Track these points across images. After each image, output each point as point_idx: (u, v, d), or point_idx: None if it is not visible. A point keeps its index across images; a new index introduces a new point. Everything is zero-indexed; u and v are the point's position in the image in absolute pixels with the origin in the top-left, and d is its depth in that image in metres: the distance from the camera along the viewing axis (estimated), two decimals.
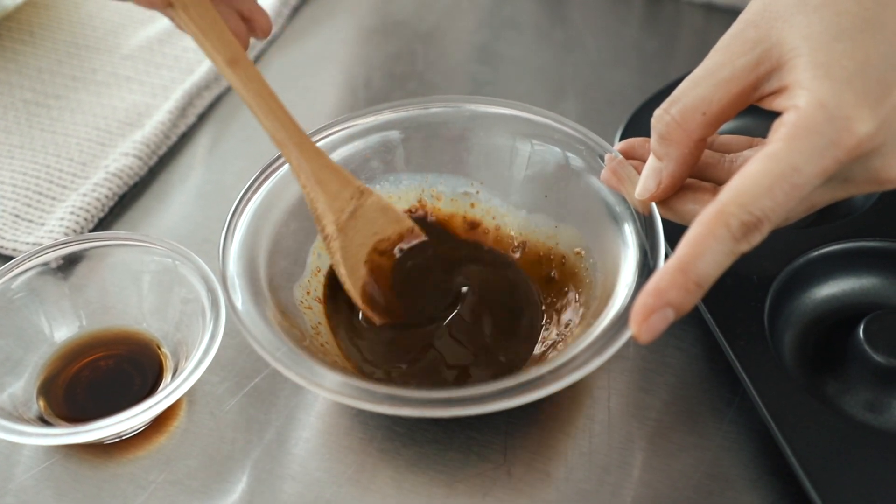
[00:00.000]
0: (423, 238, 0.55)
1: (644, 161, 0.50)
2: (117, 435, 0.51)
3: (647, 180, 0.49)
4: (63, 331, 0.55)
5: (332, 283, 0.55)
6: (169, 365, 0.54)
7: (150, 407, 0.48)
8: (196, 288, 0.53)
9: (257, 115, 0.50)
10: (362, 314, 0.54)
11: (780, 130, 0.42)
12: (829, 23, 0.42)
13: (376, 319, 0.53)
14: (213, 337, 0.51)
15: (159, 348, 0.55)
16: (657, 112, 0.47)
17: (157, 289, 0.55)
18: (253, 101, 0.50)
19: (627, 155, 0.53)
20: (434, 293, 0.54)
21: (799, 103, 0.42)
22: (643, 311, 0.41)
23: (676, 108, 0.46)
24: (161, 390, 0.50)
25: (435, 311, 0.54)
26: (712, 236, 0.40)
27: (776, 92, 0.44)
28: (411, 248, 0.55)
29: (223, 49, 0.49)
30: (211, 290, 0.52)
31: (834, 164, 0.41)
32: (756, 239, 0.41)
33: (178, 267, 0.54)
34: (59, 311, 0.55)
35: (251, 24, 0.53)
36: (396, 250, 0.54)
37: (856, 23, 0.42)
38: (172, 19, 0.50)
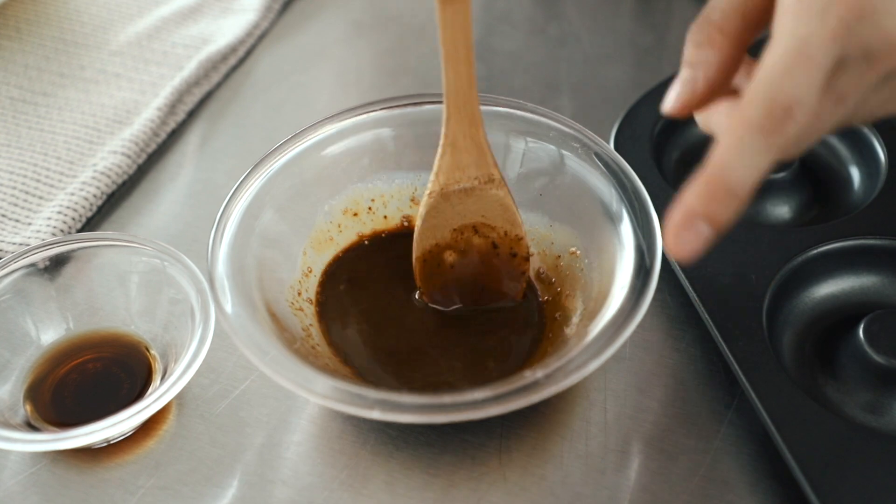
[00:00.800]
0: (524, 253, 0.54)
1: None
2: (105, 440, 0.50)
3: (680, 90, 0.45)
4: (50, 333, 0.54)
5: (327, 282, 0.55)
6: (158, 367, 0.53)
7: (139, 411, 0.48)
8: (185, 289, 0.52)
9: (444, 57, 0.49)
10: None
11: (780, 10, 0.40)
12: None
13: (421, 288, 0.55)
14: (202, 339, 0.50)
15: (148, 350, 0.54)
16: (696, 23, 0.45)
17: (145, 290, 0.55)
18: (446, 43, 0.48)
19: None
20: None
21: None
22: (672, 229, 0.39)
23: (716, 14, 0.44)
24: (150, 394, 0.49)
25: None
26: (738, 139, 0.38)
27: None
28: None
29: None
30: (200, 292, 0.52)
31: (840, 24, 0.39)
32: (790, 128, 0.39)
33: (167, 268, 0.53)
34: (46, 313, 0.54)
35: None
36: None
37: None
38: None
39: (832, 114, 0.42)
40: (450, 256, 0.54)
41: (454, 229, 0.53)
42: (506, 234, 0.53)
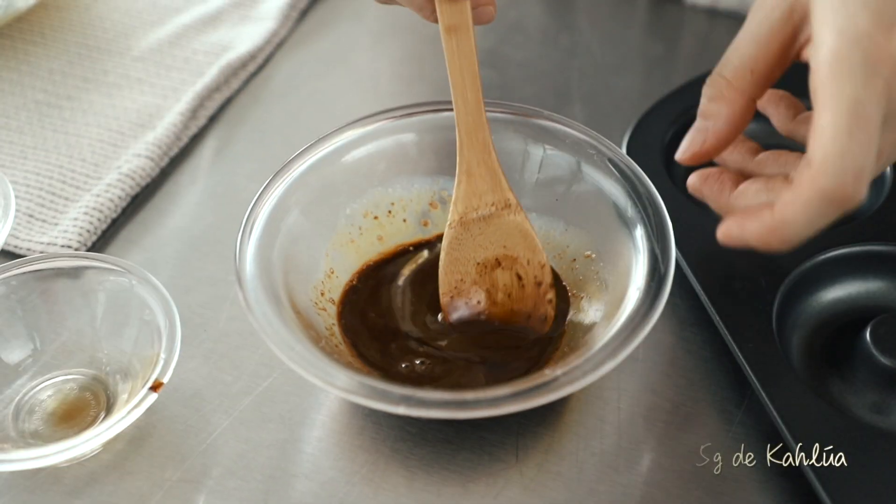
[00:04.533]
0: (550, 280, 0.54)
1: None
2: (69, 460, 0.51)
3: (692, 139, 0.50)
4: (16, 353, 0.55)
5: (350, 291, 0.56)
6: (120, 390, 0.53)
7: (99, 434, 0.48)
8: (154, 310, 0.53)
9: (452, 87, 0.51)
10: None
11: (819, 73, 0.42)
12: None
13: (446, 315, 0.55)
14: (167, 362, 0.50)
15: (109, 374, 0.54)
16: (710, 78, 0.49)
17: (112, 310, 0.55)
18: (452, 73, 0.51)
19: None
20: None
21: (825, 39, 0.42)
22: (727, 236, 0.45)
23: (727, 69, 0.48)
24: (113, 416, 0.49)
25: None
26: (806, 202, 0.42)
27: (810, 39, 0.44)
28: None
29: (449, 14, 0.51)
30: (168, 313, 0.52)
31: (885, 84, 0.41)
32: (859, 196, 0.42)
33: (135, 287, 0.54)
34: (12, 332, 0.55)
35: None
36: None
37: None
38: None
39: (874, 172, 0.45)
40: (476, 295, 0.55)
41: (478, 263, 0.54)
42: (528, 262, 0.54)
